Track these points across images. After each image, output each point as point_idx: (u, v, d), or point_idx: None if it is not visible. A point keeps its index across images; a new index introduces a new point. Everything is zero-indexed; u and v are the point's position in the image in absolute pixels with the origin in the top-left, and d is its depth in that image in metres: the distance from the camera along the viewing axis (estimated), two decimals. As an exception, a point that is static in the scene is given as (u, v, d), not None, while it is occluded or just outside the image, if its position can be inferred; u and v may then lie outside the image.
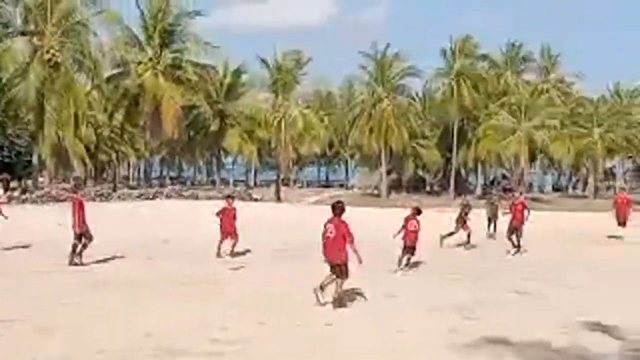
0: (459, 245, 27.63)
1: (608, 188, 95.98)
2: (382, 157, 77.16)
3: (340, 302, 14.67)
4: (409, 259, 20.92)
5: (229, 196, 25.70)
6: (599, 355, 11.07)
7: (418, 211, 21.45)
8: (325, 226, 14.81)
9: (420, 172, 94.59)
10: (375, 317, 13.84)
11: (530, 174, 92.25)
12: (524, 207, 26.07)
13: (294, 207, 52.88)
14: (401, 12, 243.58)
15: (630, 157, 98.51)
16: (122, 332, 12.15)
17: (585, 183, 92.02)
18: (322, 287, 14.77)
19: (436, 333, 12.42)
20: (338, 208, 14.87)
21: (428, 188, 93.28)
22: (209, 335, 11.97)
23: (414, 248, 20.86)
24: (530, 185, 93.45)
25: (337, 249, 14.52)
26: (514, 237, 25.54)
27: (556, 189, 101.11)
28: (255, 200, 57.31)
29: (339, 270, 14.63)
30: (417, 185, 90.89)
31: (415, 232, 20.85)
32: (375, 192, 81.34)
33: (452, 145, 78.45)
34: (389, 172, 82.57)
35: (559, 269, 21.56)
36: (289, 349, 11.41)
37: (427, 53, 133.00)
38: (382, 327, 13.01)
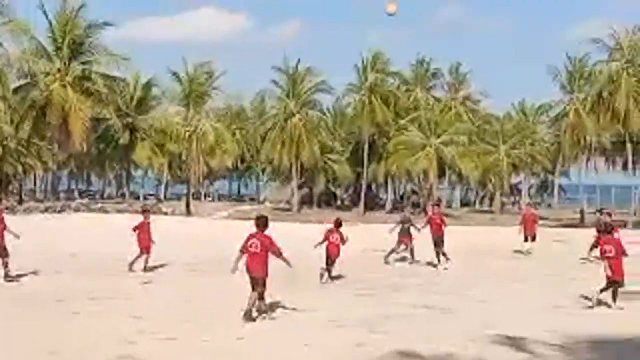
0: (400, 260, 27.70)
1: (514, 203, 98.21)
2: (294, 171, 77.33)
3: (250, 315, 14.59)
4: (329, 272, 21.14)
5: (145, 210, 25.37)
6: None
7: (339, 224, 21.71)
8: (247, 241, 14.75)
9: (331, 187, 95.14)
10: (285, 331, 13.83)
11: (439, 189, 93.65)
12: (442, 220, 26.51)
13: (205, 221, 52.51)
14: (314, 28, 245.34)
15: (534, 173, 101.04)
16: (24, 351, 11.82)
17: (492, 198, 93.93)
18: (260, 310, 14.83)
19: (343, 347, 12.47)
20: (261, 222, 14.87)
21: (339, 202, 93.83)
22: (118, 351, 11.76)
23: (334, 261, 21.12)
24: (439, 200, 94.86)
25: (261, 263, 14.52)
26: (438, 250, 25.95)
27: (464, 204, 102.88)
28: (165, 214, 56.75)
29: (262, 284, 14.61)
30: (328, 200, 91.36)
31: (337, 245, 21.08)
32: (287, 206, 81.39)
33: (363, 160, 79.11)
34: (300, 187, 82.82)
35: (468, 282, 21.90)
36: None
37: (339, 69, 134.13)
38: (291, 341, 13.00)
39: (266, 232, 14.87)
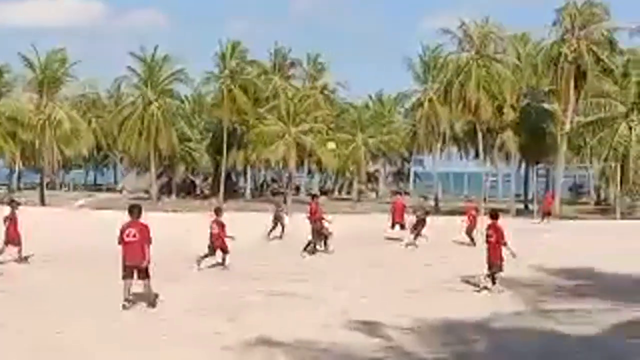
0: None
1: (372, 191, 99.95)
2: (152, 160, 76.20)
3: (153, 301, 14.96)
4: (223, 260, 21.40)
5: (12, 201, 24.62)
6: (359, 352, 11.52)
7: (217, 212, 22.00)
8: (123, 230, 14.78)
9: (190, 176, 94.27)
10: (146, 320, 13.68)
11: (298, 177, 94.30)
12: (317, 210, 26.85)
13: (60, 210, 51.03)
14: (172, 17, 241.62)
15: (391, 161, 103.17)
16: None
17: (350, 186, 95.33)
18: (128, 300, 14.77)
19: (200, 336, 12.43)
20: (136, 211, 15.00)
21: (198, 191, 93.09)
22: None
23: (215, 249, 21.35)
24: (298, 188, 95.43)
25: (140, 250, 14.54)
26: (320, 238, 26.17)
27: (323, 192, 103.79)
28: (18, 204, 54.69)
29: (145, 270, 14.68)
30: (187, 189, 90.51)
31: (217, 234, 21.22)
32: (145, 195, 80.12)
33: (223, 148, 78.69)
34: (159, 176, 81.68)
35: (329, 270, 22.09)
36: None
37: (198, 58, 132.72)
38: (150, 330, 12.88)
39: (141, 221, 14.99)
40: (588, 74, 60.16)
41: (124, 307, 14.60)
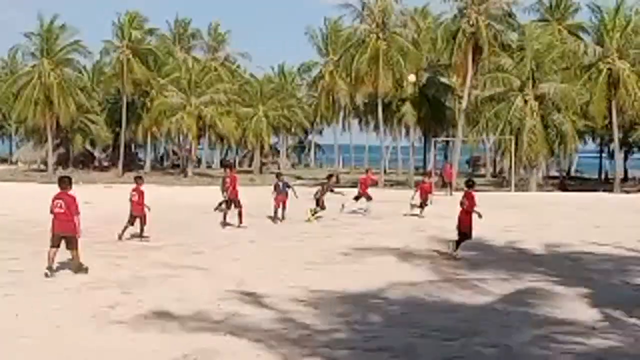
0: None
1: (273, 163, 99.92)
2: (49, 131, 74.23)
3: (80, 267, 15.28)
4: (141, 231, 21.33)
5: None
6: (254, 324, 11.37)
7: (138, 180, 22.09)
8: (52, 201, 15.13)
9: (89, 147, 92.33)
10: (40, 294, 13.24)
11: (199, 149, 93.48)
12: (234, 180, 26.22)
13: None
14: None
15: (292, 133, 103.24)
16: None
17: (252, 159, 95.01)
18: (51, 269, 14.99)
19: (95, 309, 12.08)
20: (65, 182, 15.32)
21: (97, 163, 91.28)
22: None
23: (135, 217, 21.35)
24: (199, 160, 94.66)
25: (69, 221, 14.92)
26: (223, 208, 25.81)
27: (225, 165, 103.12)
28: None
29: (74, 241, 15.07)
30: (85, 161, 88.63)
31: (138, 202, 21.30)
32: (42, 167, 78.08)
33: (122, 120, 77.17)
34: (56, 147, 79.64)
35: (232, 242, 21.78)
36: None
37: (97, 28, 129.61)
38: (42, 304, 12.47)
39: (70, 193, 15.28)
40: (485, 49, 61.15)
41: (46, 275, 14.85)
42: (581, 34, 68.89)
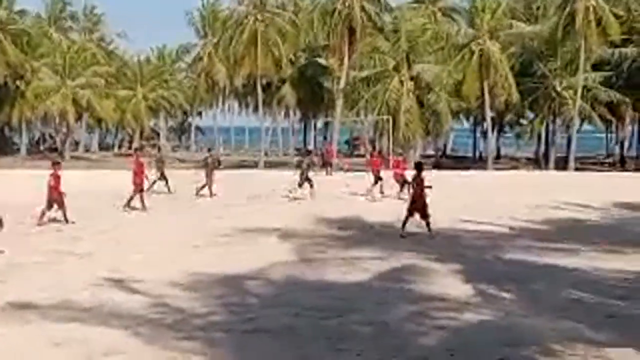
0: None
1: (153, 146, 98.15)
2: None
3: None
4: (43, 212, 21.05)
5: None
6: (128, 310, 11.02)
7: (55, 165, 21.80)
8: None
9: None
10: None
11: (77, 132, 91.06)
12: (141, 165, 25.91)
13: None
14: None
15: (172, 115, 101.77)
16: None
17: (131, 141, 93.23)
18: None
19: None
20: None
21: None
22: None
23: (52, 203, 21.12)
24: (77, 144, 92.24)
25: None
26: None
27: (103, 147, 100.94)
28: None
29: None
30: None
31: (55, 187, 20.97)
32: None
33: (-6, 103, 74.17)
34: None
35: (115, 226, 21.19)
36: None
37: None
38: None
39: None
40: (358, 30, 61.57)
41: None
42: (454, 16, 70.19)
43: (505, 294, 12.47)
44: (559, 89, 62.18)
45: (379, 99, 58.06)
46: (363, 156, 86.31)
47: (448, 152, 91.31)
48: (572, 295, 12.41)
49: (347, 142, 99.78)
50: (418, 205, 19.06)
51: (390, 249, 16.90)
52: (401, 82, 57.74)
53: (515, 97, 60.71)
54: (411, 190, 20.15)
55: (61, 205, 21.13)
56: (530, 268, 14.88)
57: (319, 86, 70.11)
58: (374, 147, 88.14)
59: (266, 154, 69.63)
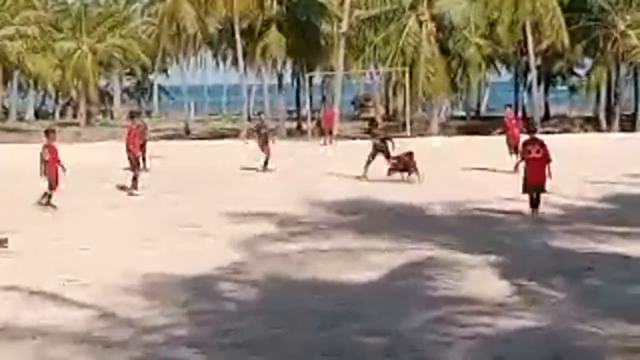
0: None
1: (103, 113, 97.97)
2: None
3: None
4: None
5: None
6: (58, 324, 11.00)
7: (49, 134, 23.66)
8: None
9: None
10: None
11: (5, 97, 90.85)
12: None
13: None
14: None
15: (129, 73, 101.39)
16: None
17: (76, 107, 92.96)
18: None
19: None
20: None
21: None
22: None
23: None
24: (7, 111, 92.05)
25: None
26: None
27: (41, 115, 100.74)
28: None
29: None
30: None
31: (55, 160, 22.60)
32: None
33: None
34: None
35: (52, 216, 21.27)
36: None
37: None
38: None
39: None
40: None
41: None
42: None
43: (553, 292, 12.47)
44: (622, 27, 61.91)
45: (391, 45, 57.86)
46: (372, 120, 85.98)
47: (482, 112, 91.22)
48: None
49: (353, 102, 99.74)
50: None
51: (406, 237, 16.94)
52: (420, 23, 57.58)
53: (566, 39, 60.36)
54: None
55: (53, 186, 22.30)
56: (586, 258, 14.85)
57: (314, 29, 69.53)
58: (387, 109, 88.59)
59: (249, 119, 69.37)
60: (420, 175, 26.81)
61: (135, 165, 26.44)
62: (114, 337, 10.48)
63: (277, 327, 10.76)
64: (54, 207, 21.99)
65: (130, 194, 25.48)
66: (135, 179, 25.93)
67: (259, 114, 38.65)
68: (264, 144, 32.19)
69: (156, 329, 10.77)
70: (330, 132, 48.60)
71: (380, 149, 28.27)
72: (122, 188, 26.36)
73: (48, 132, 23.73)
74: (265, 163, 31.66)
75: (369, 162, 28.08)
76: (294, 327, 10.79)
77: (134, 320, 11.16)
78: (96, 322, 11.18)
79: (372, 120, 35.08)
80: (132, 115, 31.09)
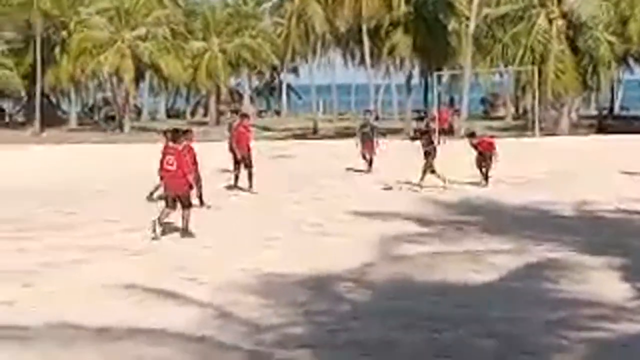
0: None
1: (234, 112, 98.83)
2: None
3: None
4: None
5: None
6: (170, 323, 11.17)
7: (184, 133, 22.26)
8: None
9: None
10: None
11: (139, 97, 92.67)
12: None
13: None
14: None
15: (258, 72, 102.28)
16: None
17: (206, 107, 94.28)
18: None
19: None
20: (175, 135, 18.57)
21: (8, 119, 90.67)
22: None
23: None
24: (140, 111, 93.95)
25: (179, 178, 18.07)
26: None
27: (172, 115, 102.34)
28: None
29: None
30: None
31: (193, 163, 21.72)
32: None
33: (37, 63, 75.67)
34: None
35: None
36: None
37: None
38: None
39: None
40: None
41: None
42: None
43: (677, 298, 12.19)
44: None
45: (520, 43, 57.19)
46: (503, 118, 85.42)
47: (616, 110, 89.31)
48: None
49: (482, 100, 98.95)
50: None
51: (528, 238, 16.83)
52: (549, 20, 56.79)
53: None
54: None
55: (198, 190, 21.56)
56: None
57: (442, 29, 69.09)
58: (516, 107, 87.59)
59: (377, 119, 69.39)
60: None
61: (248, 163, 26.15)
62: (226, 336, 10.55)
63: (392, 329, 10.73)
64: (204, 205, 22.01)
65: (250, 193, 25.50)
66: (250, 177, 25.89)
67: (365, 112, 38.36)
68: (364, 143, 31.33)
69: (270, 328, 10.85)
70: (447, 131, 48.17)
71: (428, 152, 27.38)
72: (239, 188, 26.46)
73: (186, 132, 21.43)
74: (370, 163, 31.16)
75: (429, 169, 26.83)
76: (408, 328, 10.75)
77: (249, 319, 11.26)
78: (211, 320, 11.29)
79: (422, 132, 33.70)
80: (243, 115, 30.14)
